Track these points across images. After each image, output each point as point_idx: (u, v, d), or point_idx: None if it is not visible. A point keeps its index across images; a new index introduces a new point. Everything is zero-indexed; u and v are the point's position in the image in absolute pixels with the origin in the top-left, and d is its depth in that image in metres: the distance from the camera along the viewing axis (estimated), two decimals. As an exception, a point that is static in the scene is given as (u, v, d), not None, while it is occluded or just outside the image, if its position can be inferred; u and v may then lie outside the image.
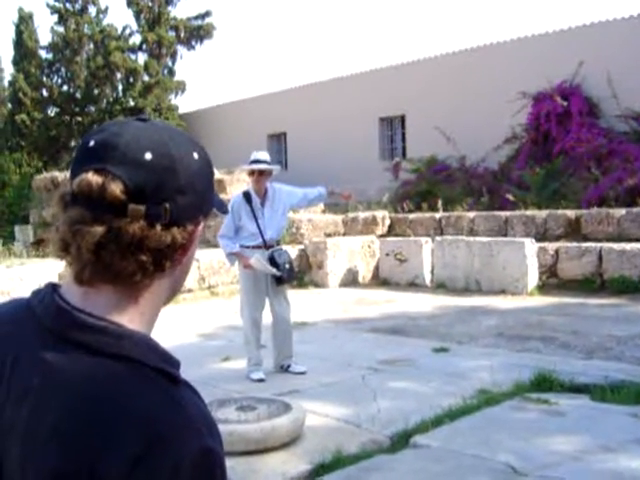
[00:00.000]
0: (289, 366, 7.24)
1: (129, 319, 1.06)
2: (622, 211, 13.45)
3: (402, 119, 22.36)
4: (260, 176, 6.99)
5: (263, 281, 7.07)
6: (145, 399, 0.99)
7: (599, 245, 12.47)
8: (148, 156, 1.02)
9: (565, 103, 17.47)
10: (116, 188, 0.99)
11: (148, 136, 1.05)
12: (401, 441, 5.12)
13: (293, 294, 13.17)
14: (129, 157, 1.01)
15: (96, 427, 0.96)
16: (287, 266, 7.05)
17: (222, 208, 1.21)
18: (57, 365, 1.00)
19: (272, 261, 6.95)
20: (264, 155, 7.15)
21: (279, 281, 7.05)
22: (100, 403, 0.97)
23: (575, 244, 12.87)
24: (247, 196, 7.03)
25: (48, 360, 1.01)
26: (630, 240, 12.73)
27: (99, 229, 0.99)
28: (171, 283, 1.12)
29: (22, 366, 1.04)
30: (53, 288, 1.10)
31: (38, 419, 0.99)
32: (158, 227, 1.02)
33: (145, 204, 1.01)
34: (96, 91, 29.19)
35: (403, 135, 22.52)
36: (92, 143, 1.04)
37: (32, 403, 1.01)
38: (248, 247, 7.01)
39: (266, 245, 7.02)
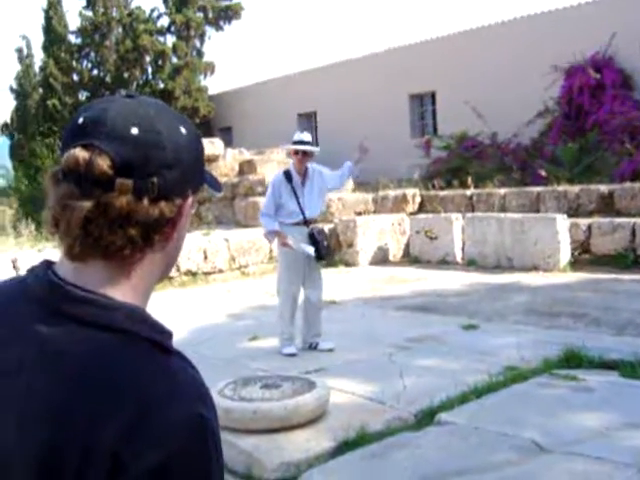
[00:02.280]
0: (317, 344, 7.32)
1: (122, 293, 1.07)
2: (656, 185, 13.22)
3: (432, 95, 22.14)
4: (304, 156, 7.22)
5: (301, 258, 7.20)
6: (137, 369, 1.00)
7: (632, 220, 12.27)
8: (134, 131, 1.03)
9: (598, 75, 17.15)
10: (103, 163, 1.01)
11: (134, 111, 1.06)
12: (426, 418, 5.10)
13: (323, 273, 13.19)
14: (116, 132, 1.03)
15: (88, 398, 0.97)
16: (325, 243, 7.24)
17: (215, 186, 1.22)
18: (50, 338, 1.02)
19: (312, 238, 7.15)
20: (308, 136, 7.36)
21: (318, 257, 7.22)
22: (92, 374, 0.99)
23: (608, 219, 12.68)
24: (288, 175, 7.22)
25: (42, 333, 1.03)
26: (664, 214, 12.51)
27: (87, 203, 1.01)
28: (163, 258, 1.13)
29: (16, 340, 1.05)
30: (47, 265, 1.11)
31: (33, 393, 1.00)
32: (145, 201, 1.03)
33: (132, 178, 1.02)
34: (126, 74, 29.25)
35: (434, 112, 22.31)
36: (80, 120, 1.06)
37: (28, 374, 1.02)
38: (288, 224, 7.18)
39: (306, 222, 7.21)
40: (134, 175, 1.02)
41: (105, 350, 1.01)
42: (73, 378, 0.99)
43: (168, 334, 1.08)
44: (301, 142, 7.23)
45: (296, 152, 7.23)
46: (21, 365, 1.03)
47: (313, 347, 7.33)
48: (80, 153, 1.01)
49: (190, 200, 1.12)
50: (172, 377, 1.02)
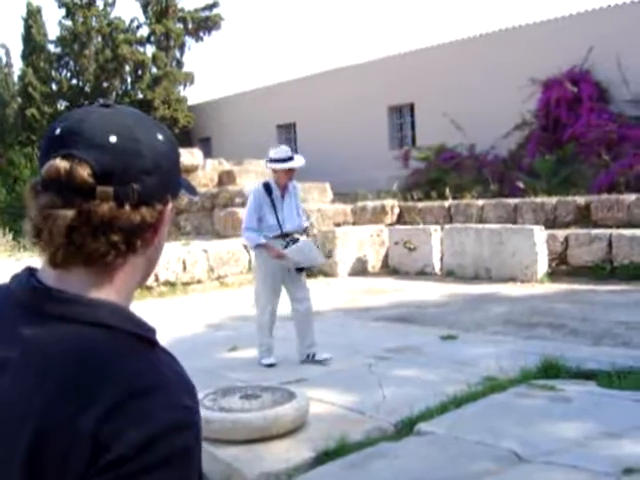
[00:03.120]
0: (314, 355, 7.17)
1: (105, 296, 1.09)
2: (632, 197, 13.35)
3: (411, 107, 22.27)
4: (292, 172, 7.12)
5: (279, 270, 7.09)
6: (123, 361, 1.02)
7: (609, 231, 12.39)
8: (113, 139, 1.05)
9: (575, 89, 17.34)
10: (83, 172, 1.03)
11: (112, 120, 1.08)
12: (405, 428, 5.11)
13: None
14: (95, 141, 1.05)
15: (72, 392, 0.98)
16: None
17: (191, 190, 1.25)
18: (35, 336, 1.03)
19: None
20: (289, 150, 7.22)
21: (299, 269, 7.12)
22: (77, 368, 1.00)
23: (585, 231, 12.79)
24: (267, 187, 7.10)
25: (26, 333, 1.04)
26: (640, 226, 12.64)
27: (69, 212, 1.03)
28: (144, 264, 1.15)
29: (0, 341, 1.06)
30: (30, 271, 1.13)
31: (17, 388, 1.02)
32: (127, 207, 1.05)
33: (113, 185, 1.04)
34: (105, 84, 29.21)
35: (412, 123, 22.43)
36: (58, 131, 1.08)
37: (11, 374, 1.03)
38: (274, 238, 7.07)
39: (283, 236, 7.07)
40: (114, 182, 1.04)
41: (90, 344, 1.02)
42: (58, 374, 1.00)
43: (152, 330, 1.10)
44: (289, 158, 7.06)
45: (289, 169, 7.08)
46: (4, 366, 1.04)
47: (310, 358, 7.16)
48: (60, 163, 1.03)
49: (170, 205, 1.15)
50: (158, 369, 1.04)
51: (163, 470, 0.97)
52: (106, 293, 1.08)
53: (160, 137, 1.12)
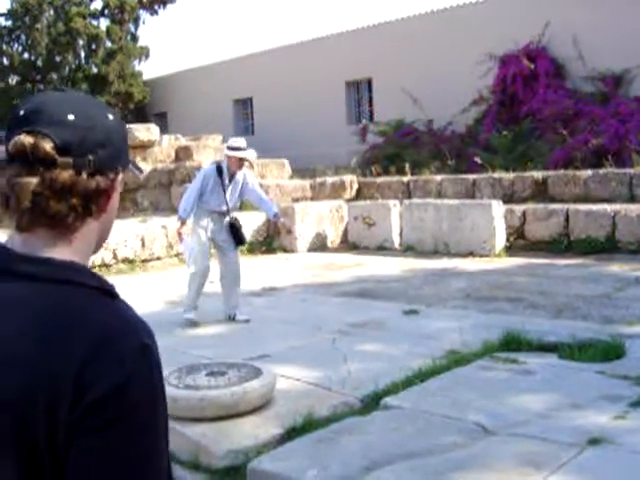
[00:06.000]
0: (235, 315, 8.05)
1: (66, 256, 1.23)
2: (588, 172, 13.52)
3: (369, 82, 22.24)
4: (242, 162, 8.01)
5: (207, 241, 8.13)
6: (89, 311, 1.17)
7: (566, 206, 12.55)
8: (71, 117, 1.23)
9: (532, 65, 17.45)
10: (47, 145, 1.19)
11: (68, 101, 1.27)
12: (372, 403, 5.14)
13: (262, 259, 13.16)
14: (55, 119, 1.22)
15: (49, 341, 1.12)
16: (242, 230, 8.22)
17: (138, 168, 1.45)
18: (4, 294, 1.17)
19: (233, 226, 8.04)
20: (244, 143, 8.10)
21: (240, 243, 8.28)
22: (51, 319, 1.14)
23: (542, 205, 12.93)
24: (219, 169, 8.00)
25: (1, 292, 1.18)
26: (596, 201, 12.82)
27: (34, 179, 1.18)
28: (98, 228, 1.32)
29: None
30: None
31: None
32: (84, 175, 1.22)
33: (72, 156, 1.21)
34: (58, 58, 28.66)
35: (370, 99, 22.41)
36: (22, 112, 1.24)
37: None
38: (215, 212, 8.01)
39: (227, 212, 8.05)
40: (73, 154, 1.21)
41: (59, 299, 1.17)
42: (33, 325, 1.14)
43: (112, 285, 1.26)
44: (242, 149, 7.94)
45: (240, 158, 7.93)
46: None
47: (232, 318, 8.03)
48: (26, 138, 1.19)
49: (120, 176, 1.32)
50: (121, 316, 1.20)
51: (145, 403, 1.15)
52: (66, 253, 1.23)
53: (110, 116, 1.31)
